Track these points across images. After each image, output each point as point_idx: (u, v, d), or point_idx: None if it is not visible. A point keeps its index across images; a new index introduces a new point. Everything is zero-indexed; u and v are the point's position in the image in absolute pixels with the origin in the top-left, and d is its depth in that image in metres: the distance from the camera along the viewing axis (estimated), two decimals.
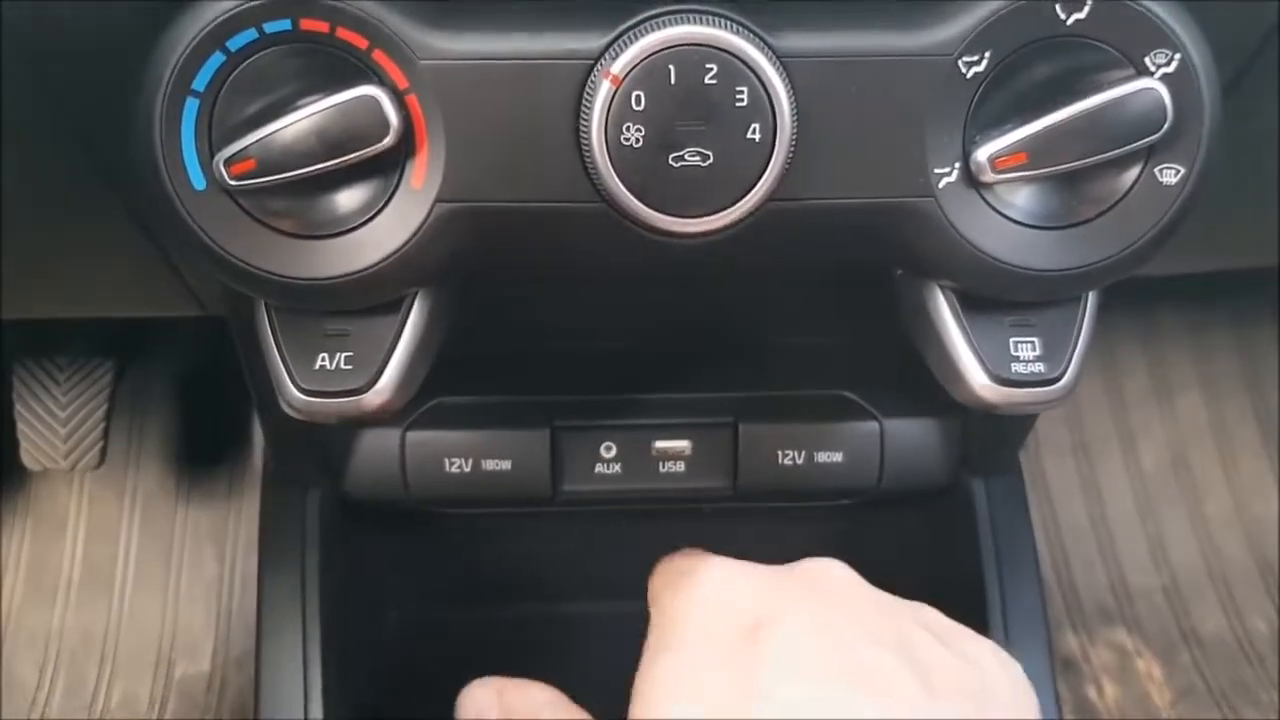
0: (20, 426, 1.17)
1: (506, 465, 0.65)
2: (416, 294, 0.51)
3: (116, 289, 0.73)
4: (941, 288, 0.52)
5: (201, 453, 1.30)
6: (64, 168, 0.57)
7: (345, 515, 0.68)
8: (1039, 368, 0.52)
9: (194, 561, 1.28)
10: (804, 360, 0.67)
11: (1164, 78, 0.46)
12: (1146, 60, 0.46)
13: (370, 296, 0.49)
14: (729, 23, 0.45)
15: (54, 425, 1.17)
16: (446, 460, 0.65)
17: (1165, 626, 1.25)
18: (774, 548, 0.76)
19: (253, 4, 0.44)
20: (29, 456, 1.18)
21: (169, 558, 1.28)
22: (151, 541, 1.28)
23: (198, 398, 1.29)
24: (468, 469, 0.65)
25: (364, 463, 0.65)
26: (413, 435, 0.65)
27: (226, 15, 0.45)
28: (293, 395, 0.51)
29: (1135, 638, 1.25)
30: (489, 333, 0.63)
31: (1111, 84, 0.46)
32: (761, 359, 0.68)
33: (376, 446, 0.65)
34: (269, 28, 0.45)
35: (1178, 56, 0.46)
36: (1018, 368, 0.51)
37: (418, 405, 0.66)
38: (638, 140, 0.45)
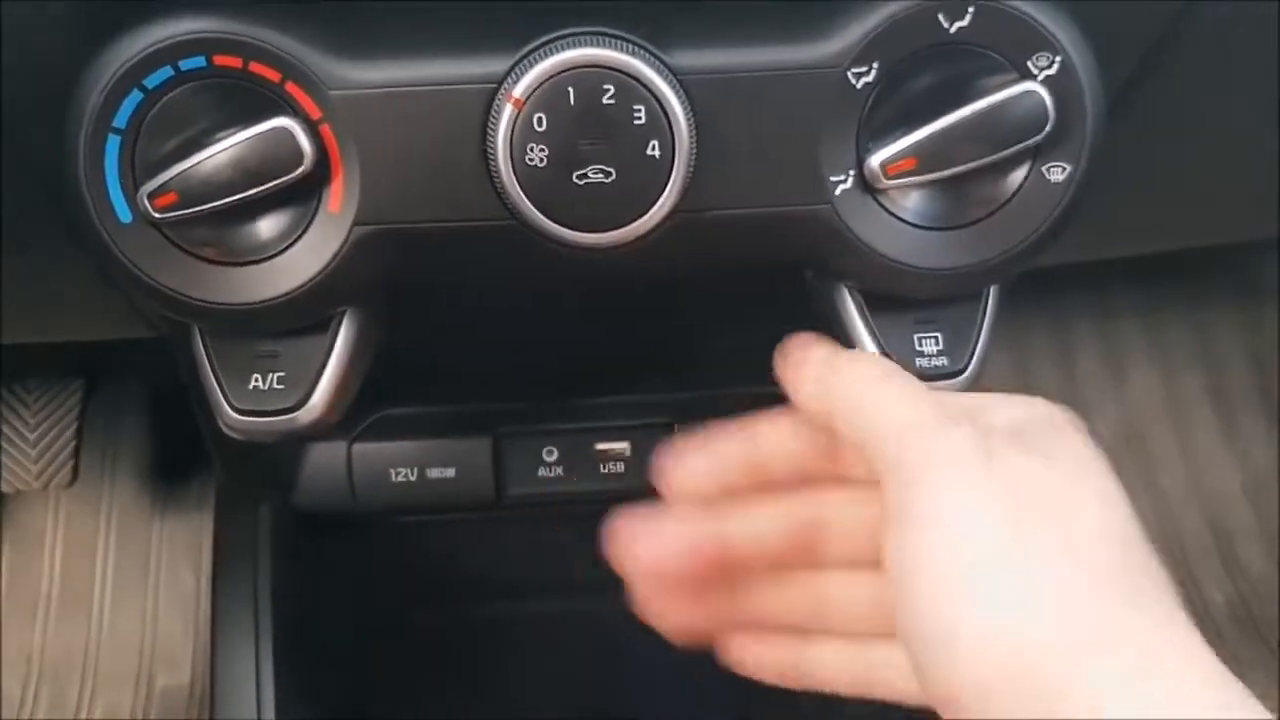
0: None
1: (451, 473, 0.67)
2: (344, 313, 0.53)
3: (72, 313, 0.75)
4: (847, 288, 0.54)
5: (174, 466, 1.31)
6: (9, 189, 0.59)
7: (297, 526, 0.70)
8: (942, 361, 0.54)
9: (171, 575, 1.29)
10: (735, 360, 0.69)
11: (1045, 80, 0.48)
12: (1028, 64, 0.48)
13: (297, 318, 0.51)
14: (624, 43, 0.47)
15: (24, 447, 1.18)
16: (392, 470, 0.67)
17: None
18: None
19: (167, 42, 0.46)
20: (2, 479, 1.20)
21: (146, 572, 1.30)
22: (128, 556, 1.30)
23: (167, 413, 1.31)
24: (413, 478, 0.67)
25: (311, 476, 0.67)
26: (358, 448, 0.67)
27: (143, 54, 0.46)
28: (228, 415, 0.53)
29: None
30: (428, 344, 0.65)
31: (995, 88, 0.48)
32: (695, 360, 0.70)
33: (323, 460, 0.67)
34: (184, 65, 0.47)
35: (1058, 59, 0.48)
36: (922, 362, 0.54)
37: (363, 418, 0.68)
38: (542, 160, 0.47)
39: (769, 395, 0.70)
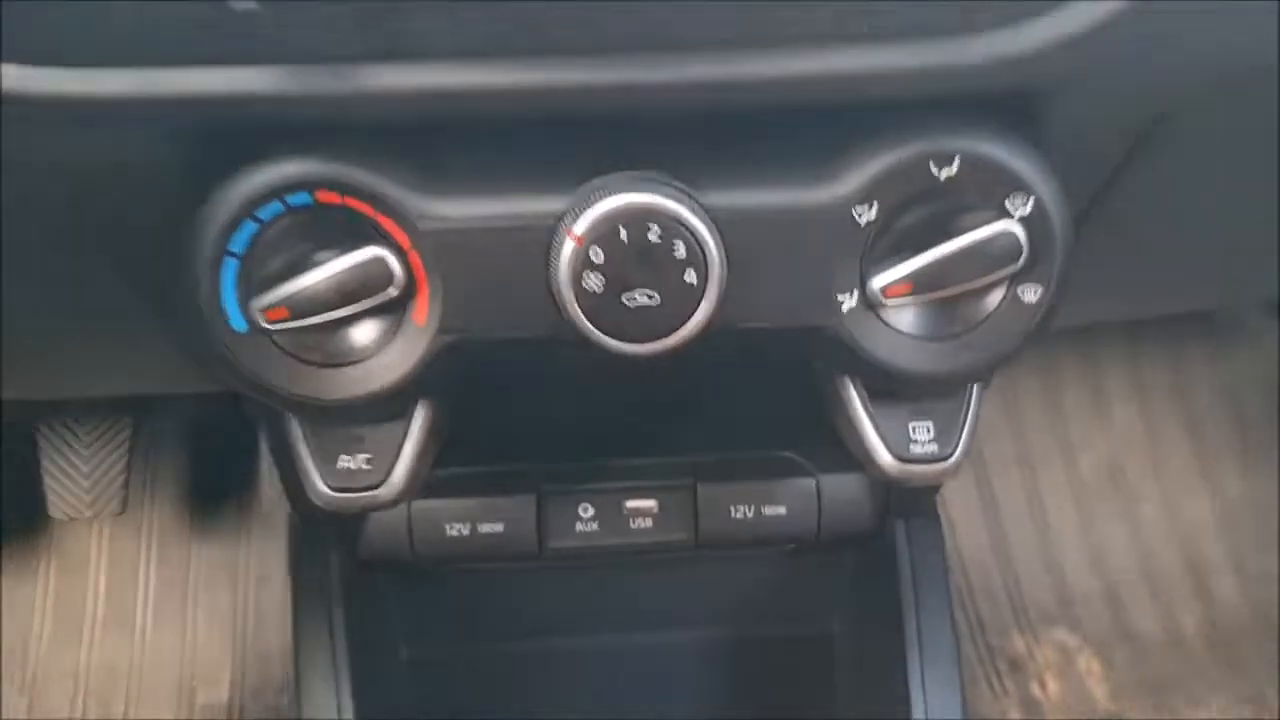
0: (46, 480, 1.27)
1: (499, 527, 0.76)
2: (420, 403, 0.62)
3: (136, 370, 0.84)
4: (851, 381, 0.63)
5: (210, 496, 1.40)
6: (88, 271, 0.67)
7: (363, 572, 0.79)
8: (933, 448, 0.63)
9: (209, 596, 1.38)
10: (752, 427, 0.78)
11: (1021, 219, 0.57)
12: (1006, 204, 0.57)
13: (383, 410, 0.60)
14: (667, 187, 0.55)
15: (77, 478, 1.27)
16: (447, 526, 0.76)
17: (1104, 626, 1.36)
18: (726, 586, 0.87)
19: (279, 182, 0.55)
20: (55, 508, 1.28)
21: (185, 593, 1.38)
22: (169, 579, 1.38)
23: (206, 446, 1.39)
24: (466, 532, 0.76)
25: (376, 531, 0.76)
26: (417, 505, 0.76)
27: (258, 192, 0.55)
28: (320, 492, 0.62)
29: (1077, 637, 1.36)
30: (478, 413, 0.73)
31: (977, 224, 0.56)
32: (716, 427, 0.78)
33: (386, 516, 0.75)
34: (292, 200, 0.55)
35: (1032, 199, 0.57)
36: (915, 449, 0.62)
37: None
38: (597, 286, 0.55)
39: (776, 458, 0.79)
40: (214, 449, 1.40)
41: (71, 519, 1.30)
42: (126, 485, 1.29)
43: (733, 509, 0.77)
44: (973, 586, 1.39)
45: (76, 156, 0.58)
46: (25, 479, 1.33)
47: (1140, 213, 0.73)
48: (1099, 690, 1.31)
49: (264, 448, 1.33)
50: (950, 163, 0.56)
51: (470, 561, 0.78)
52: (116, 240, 0.65)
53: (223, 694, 1.33)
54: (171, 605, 1.37)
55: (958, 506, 1.44)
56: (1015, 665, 1.32)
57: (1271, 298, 1.38)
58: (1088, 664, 1.33)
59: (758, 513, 0.77)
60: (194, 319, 0.57)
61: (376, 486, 0.61)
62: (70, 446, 1.26)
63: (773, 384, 0.76)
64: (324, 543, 0.78)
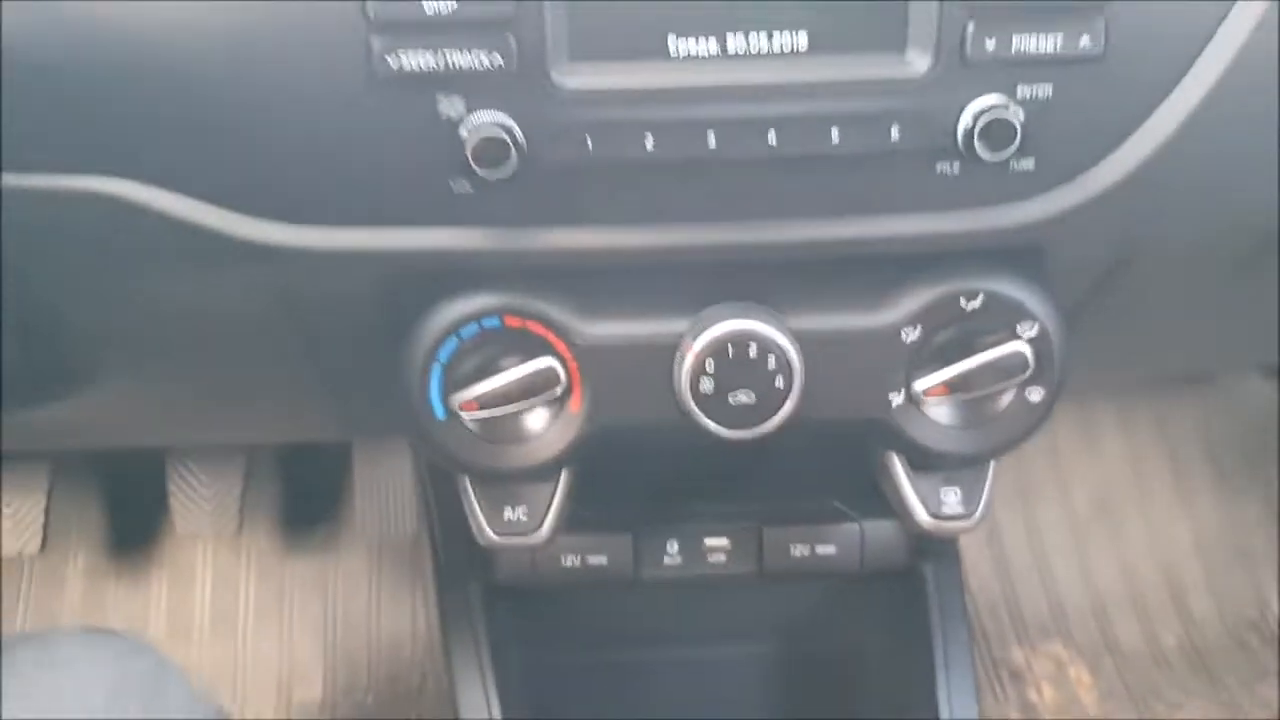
0: (173, 504, 1.46)
1: (603, 559, 0.94)
2: (565, 469, 0.80)
3: (276, 428, 1.03)
4: (897, 457, 0.81)
5: (304, 520, 1.57)
6: (286, 361, 0.86)
7: (495, 593, 0.98)
8: (959, 509, 0.81)
9: (302, 606, 1.55)
10: (807, 480, 0.96)
11: (1029, 340, 0.75)
12: (1018, 328, 0.75)
13: (540, 476, 0.78)
14: (763, 314, 0.74)
15: (200, 503, 1.45)
16: (562, 557, 0.94)
17: (1093, 640, 1.50)
18: (785, 609, 1.05)
19: (477, 310, 0.73)
20: (181, 527, 1.46)
21: (281, 603, 1.56)
22: (266, 590, 1.55)
23: (302, 478, 1.57)
24: (577, 564, 0.94)
25: (509, 561, 0.94)
26: None
27: (461, 317, 0.73)
28: (488, 537, 0.80)
29: (1069, 649, 1.51)
30: (598, 472, 0.91)
31: (995, 344, 0.74)
32: (778, 481, 0.97)
33: (516, 551, 0.94)
34: (485, 323, 0.74)
35: (1037, 325, 0.75)
36: (946, 509, 0.81)
37: None
38: (709, 389, 0.74)
39: (827, 506, 0.97)
40: (308, 481, 1.58)
41: (192, 537, 1.48)
42: (241, 510, 1.47)
43: (791, 547, 0.96)
44: (978, 604, 1.54)
45: (311, 287, 0.76)
46: (147, 501, 1.51)
47: (1125, 305, 0.91)
48: (1088, 697, 1.48)
49: (353, 482, 1.52)
50: (975, 298, 0.75)
51: (581, 586, 0.96)
52: (321, 341, 0.83)
53: (316, 692, 1.49)
54: (269, 614, 1.53)
55: (966, 534, 1.62)
56: (1015, 674, 1.49)
57: (1267, 363, 1.56)
58: (1078, 674, 1.50)
59: (812, 551, 0.95)
60: (408, 409, 0.75)
61: (532, 532, 0.80)
62: (195, 475, 1.44)
63: (823, 448, 0.95)
64: (465, 571, 0.96)
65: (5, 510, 1.44)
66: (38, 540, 1.46)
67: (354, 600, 1.54)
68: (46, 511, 1.46)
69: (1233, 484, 1.63)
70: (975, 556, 1.58)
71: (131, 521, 1.52)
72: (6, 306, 0.77)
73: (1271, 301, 0.98)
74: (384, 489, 1.49)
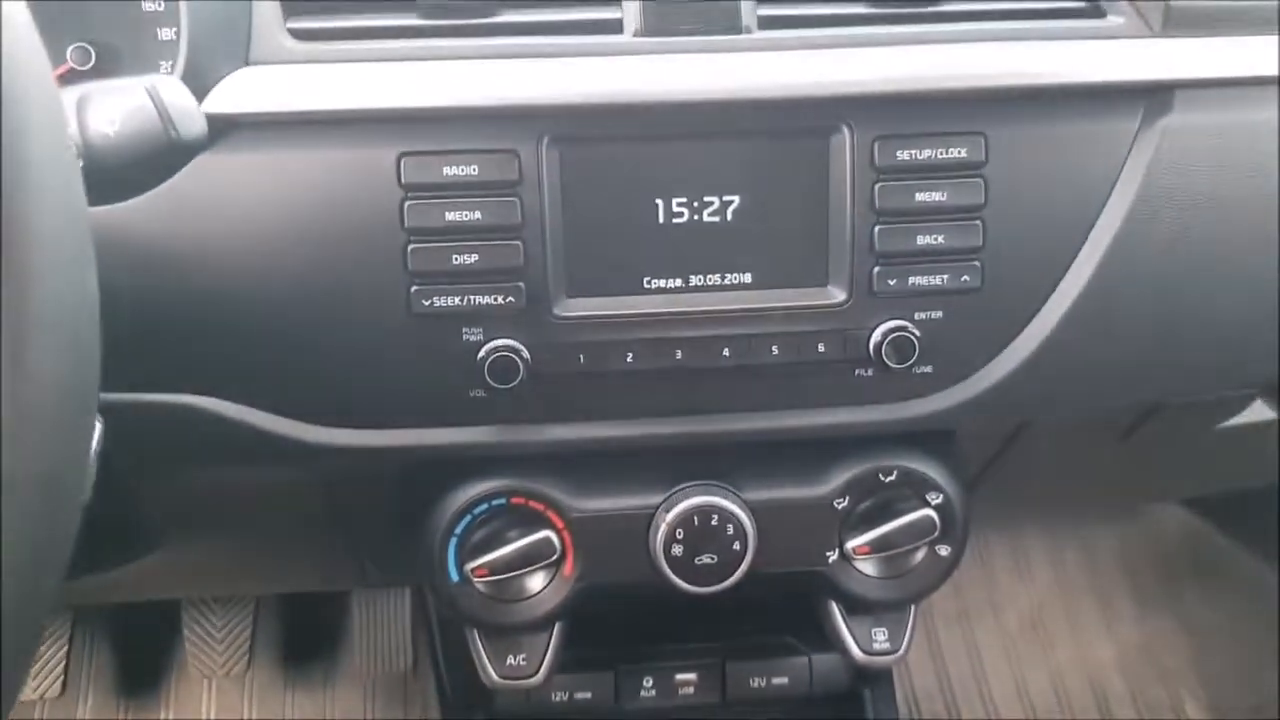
0: (188, 646, 1.58)
1: (589, 694, 1.09)
2: (559, 621, 0.96)
3: (288, 581, 1.18)
4: (834, 603, 0.98)
5: (305, 655, 1.70)
6: (310, 532, 1.02)
7: None
8: (887, 645, 0.98)
9: None
10: (763, 622, 1.13)
11: (935, 507, 0.92)
12: (927, 496, 0.93)
13: (539, 627, 0.94)
14: (722, 490, 0.91)
15: (213, 644, 1.58)
16: (552, 693, 1.09)
17: None
18: None
19: (489, 492, 0.90)
20: (194, 668, 1.59)
21: None
22: None
23: (303, 620, 1.70)
24: (566, 699, 1.09)
25: (505, 697, 1.09)
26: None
27: (474, 499, 0.90)
28: (492, 680, 0.95)
29: None
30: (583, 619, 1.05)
31: (908, 511, 0.92)
32: (739, 623, 1.12)
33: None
34: (494, 503, 0.90)
35: (942, 494, 0.93)
36: (876, 645, 0.97)
37: None
38: (679, 553, 0.90)
39: (781, 642, 1.13)
40: (310, 623, 1.71)
41: (204, 676, 1.61)
42: (251, 650, 1.60)
43: (750, 679, 1.10)
44: (923, 715, 1.70)
45: (349, 473, 0.93)
46: (160, 644, 1.64)
47: (1028, 465, 1.09)
48: None
49: (352, 624, 1.65)
50: (891, 473, 0.92)
51: (568, 717, 1.11)
52: (351, 514, 0.99)
53: None
54: None
55: (911, 652, 1.76)
56: None
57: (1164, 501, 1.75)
58: None
59: (768, 681, 1.10)
60: (428, 575, 0.91)
61: (530, 675, 0.96)
62: (209, 619, 1.58)
63: (775, 595, 1.11)
64: (470, 706, 1.11)
65: None
66: (59, 684, 1.57)
67: None
68: (68, 655, 1.58)
69: (1151, 605, 1.80)
70: (919, 671, 1.72)
71: (143, 663, 1.63)
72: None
73: (1156, 458, 1.17)
74: (380, 631, 1.63)
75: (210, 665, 1.58)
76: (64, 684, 1.59)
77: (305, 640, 1.69)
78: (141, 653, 1.64)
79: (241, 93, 0.79)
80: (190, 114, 0.72)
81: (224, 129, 0.79)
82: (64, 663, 1.58)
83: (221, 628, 1.58)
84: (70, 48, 0.81)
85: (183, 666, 1.64)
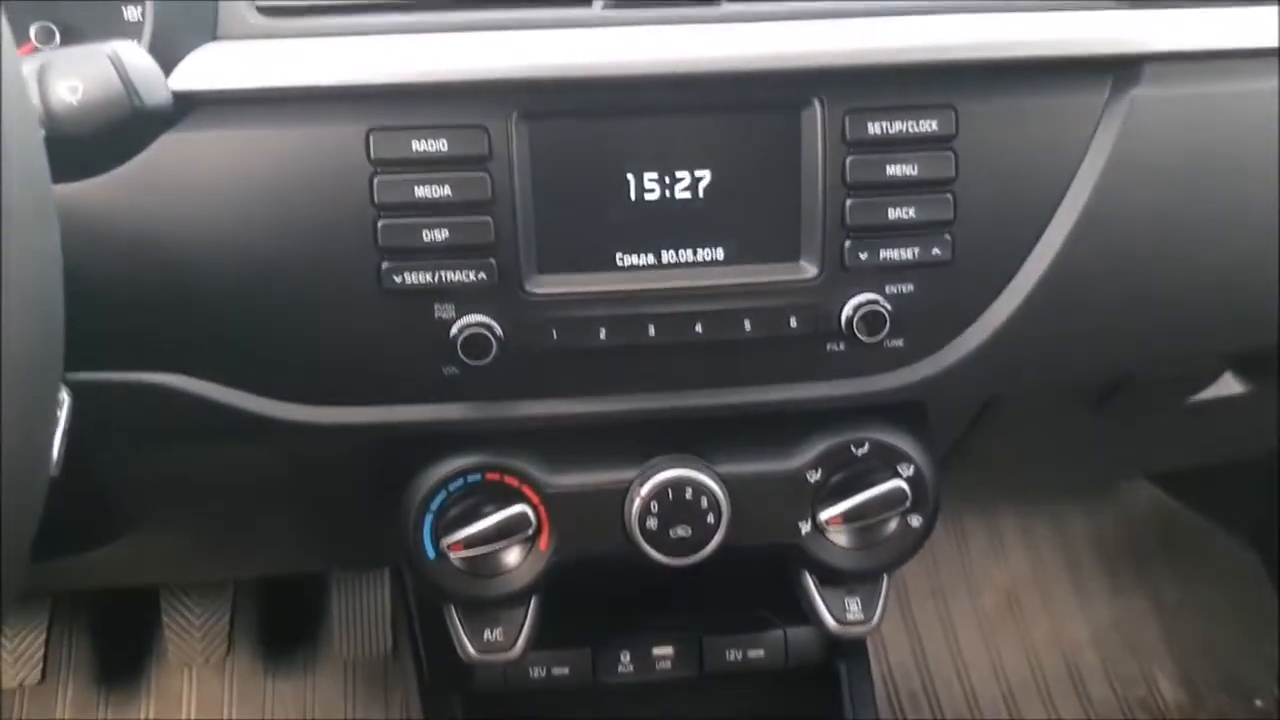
0: (167, 634, 1.58)
1: (566, 670, 1.09)
2: (534, 595, 0.96)
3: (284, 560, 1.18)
4: (808, 574, 0.98)
5: (284, 641, 1.70)
6: (289, 505, 1.01)
7: (474, 701, 1.12)
8: (859, 616, 0.98)
9: None
10: (739, 595, 1.13)
11: (906, 478, 0.93)
12: (898, 468, 0.93)
13: (516, 602, 0.94)
14: (696, 463, 0.91)
15: (192, 632, 1.58)
16: (530, 669, 1.09)
17: None
18: (725, 705, 1.21)
19: (463, 468, 0.90)
20: (174, 656, 1.58)
21: None
22: (249, 710, 1.66)
23: (283, 606, 1.70)
24: (543, 674, 1.09)
25: (485, 674, 1.09)
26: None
27: (449, 475, 0.90)
28: (469, 655, 0.95)
29: None
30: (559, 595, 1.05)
31: (880, 482, 0.92)
32: (715, 596, 1.13)
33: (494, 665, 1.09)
34: (469, 479, 0.90)
35: (913, 466, 0.93)
36: (849, 616, 0.98)
37: None
38: (654, 525, 0.90)
39: (756, 616, 1.14)
40: (290, 608, 1.71)
41: (184, 664, 1.60)
42: (230, 637, 1.60)
43: (727, 652, 1.11)
44: (899, 691, 1.69)
45: (322, 452, 0.92)
46: (139, 632, 1.63)
47: (1002, 438, 1.10)
48: None
49: (331, 608, 1.65)
50: (863, 445, 0.93)
51: (546, 692, 1.11)
52: (324, 493, 0.99)
53: None
54: None
55: (887, 628, 1.75)
56: None
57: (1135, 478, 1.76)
58: None
59: (744, 654, 1.11)
60: (406, 551, 0.91)
61: (507, 650, 0.96)
62: (188, 606, 1.57)
63: (750, 568, 1.12)
64: (448, 683, 1.11)
65: (7, 645, 1.55)
66: (38, 672, 1.57)
67: (331, 716, 1.65)
68: (46, 644, 1.57)
69: (1123, 581, 1.82)
70: (895, 648, 1.74)
71: (124, 651, 1.63)
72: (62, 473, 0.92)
73: (1126, 433, 1.18)
74: (359, 614, 1.63)
75: (189, 653, 1.58)
76: (43, 672, 1.58)
77: (285, 626, 1.69)
78: (121, 642, 1.64)
79: (208, 68, 0.78)
80: (155, 80, 0.71)
81: (191, 105, 0.78)
82: (43, 651, 1.57)
83: (200, 615, 1.58)
84: (34, 26, 0.80)
85: (162, 655, 1.63)
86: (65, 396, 0.64)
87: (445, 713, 1.12)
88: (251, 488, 1.00)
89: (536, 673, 1.09)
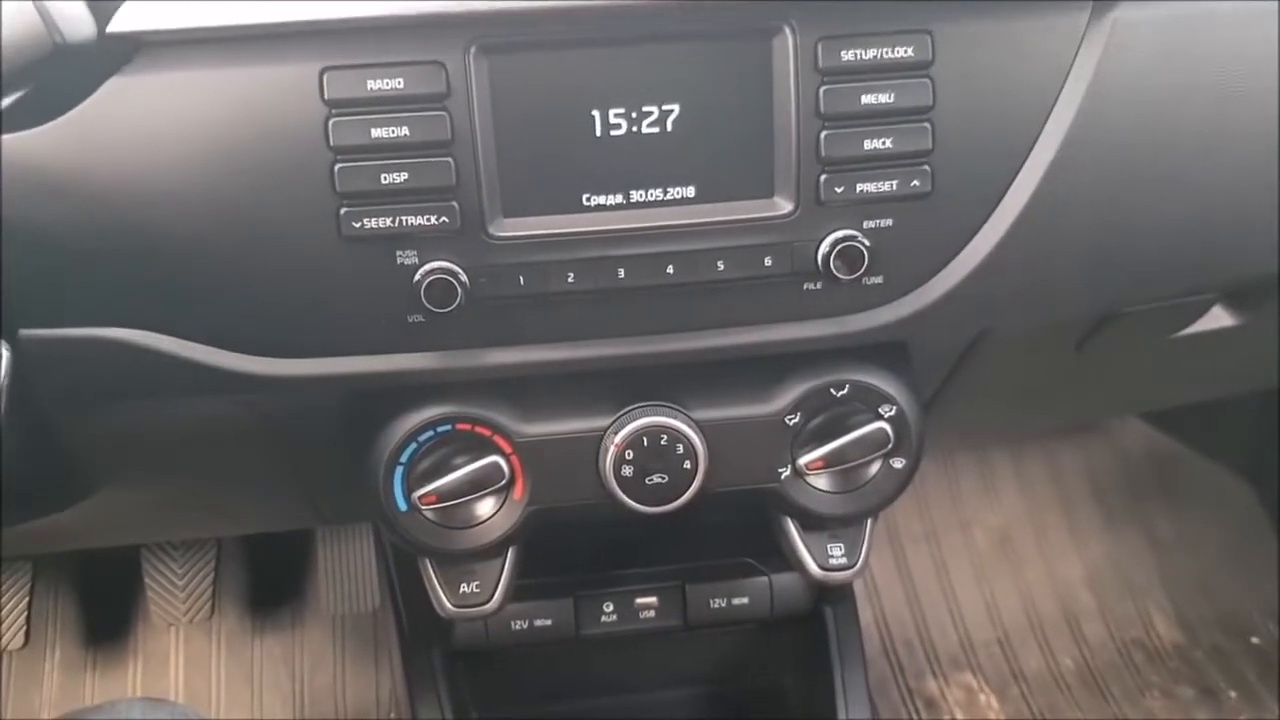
0: (149, 594, 1.57)
1: (548, 622, 1.08)
2: (511, 547, 0.94)
3: (247, 521, 1.16)
4: (789, 519, 0.97)
5: (270, 598, 1.69)
6: (261, 466, 0.99)
7: (455, 657, 1.11)
8: (843, 560, 0.96)
9: (271, 680, 1.66)
10: (722, 543, 1.12)
11: (889, 419, 0.91)
12: (880, 409, 0.91)
13: (491, 554, 0.93)
14: (671, 410, 0.89)
15: (175, 592, 1.56)
16: (512, 622, 1.08)
17: (1000, 669, 1.66)
18: (711, 655, 1.20)
19: (432, 419, 0.88)
20: (157, 616, 1.57)
21: (251, 679, 1.66)
22: (236, 668, 1.66)
23: (267, 563, 1.69)
24: (525, 626, 1.08)
25: (466, 629, 1.08)
26: None
27: (418, 425, 0.88)
28: (446, 609, 0.94)
29: (978, 679, 1.65)
30: (539, 545, 1.04)
31: (861, 424, 0.90)
32: (696, 545, 1.12)
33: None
34: (439, 429, 0.88)
35: (895, 407, 0.91)
36: (832, 561, 0.96)
37: None
38: (629, 473, 0.88)
39: (740, 564, 1.12)
40: (275, 565, 1.70)
41: (168, 625, 1.59)
42: (214, 596, 1.59)
43: (711, 601, 1.10)
44: (894, 638, 1.69)
45: (289, 405, 0.90)
46: (123, 593, 1.62)
47: (988, 378, 1.07)
48: None
49: (317, 564, 1.64)
50: (843, 388, 0.91)
51: (529, 646, 1.10)
52: (296, 448, 0.97)
53: None
54: (239, 691, 1.64)
55: (880, 574, 1.75)
56: (930, 703, 1.64)
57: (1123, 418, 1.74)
58: (987, 700, 1.64)
59: (728, 603, 1.10)
60: (376, 504, 0.89)
61: (485, 603, 0.94)
62: (170, 566, 1.56)
63: (733, 516, 1.10)
64: (428, 639, 1.10)
65: None
66: (22, 636, 1.56)
67: (320, 673, 1.65)
68: (29, 607, 1.56)
69: (1117, 520, 1.81)
70: (888, 593, 1.73)
71: (108, 613, 1.62)
72: (18, 431, 0.90)
73: (1115, 370, 1.16)
74: (345, 570, 1.62)
75: (173, 613, 1.57)
76: (27, 634, 1.57)
77: (270, 583, 1.69)
78: (105, 604, 1.63)
79: (152, 9, 0.75)
80: (76, 15, 0.68)
81: (136, 47, 0.75)
82: (26, 614, 1.56)
83: (183, 575, 1.57)
84: None
85: (147, 615, 1.63)
86: (4, 351, 0.62)
87: (426, 669, 1.10)
88: (220, 443, 0.98)
89: (518, 625, 1.08)
